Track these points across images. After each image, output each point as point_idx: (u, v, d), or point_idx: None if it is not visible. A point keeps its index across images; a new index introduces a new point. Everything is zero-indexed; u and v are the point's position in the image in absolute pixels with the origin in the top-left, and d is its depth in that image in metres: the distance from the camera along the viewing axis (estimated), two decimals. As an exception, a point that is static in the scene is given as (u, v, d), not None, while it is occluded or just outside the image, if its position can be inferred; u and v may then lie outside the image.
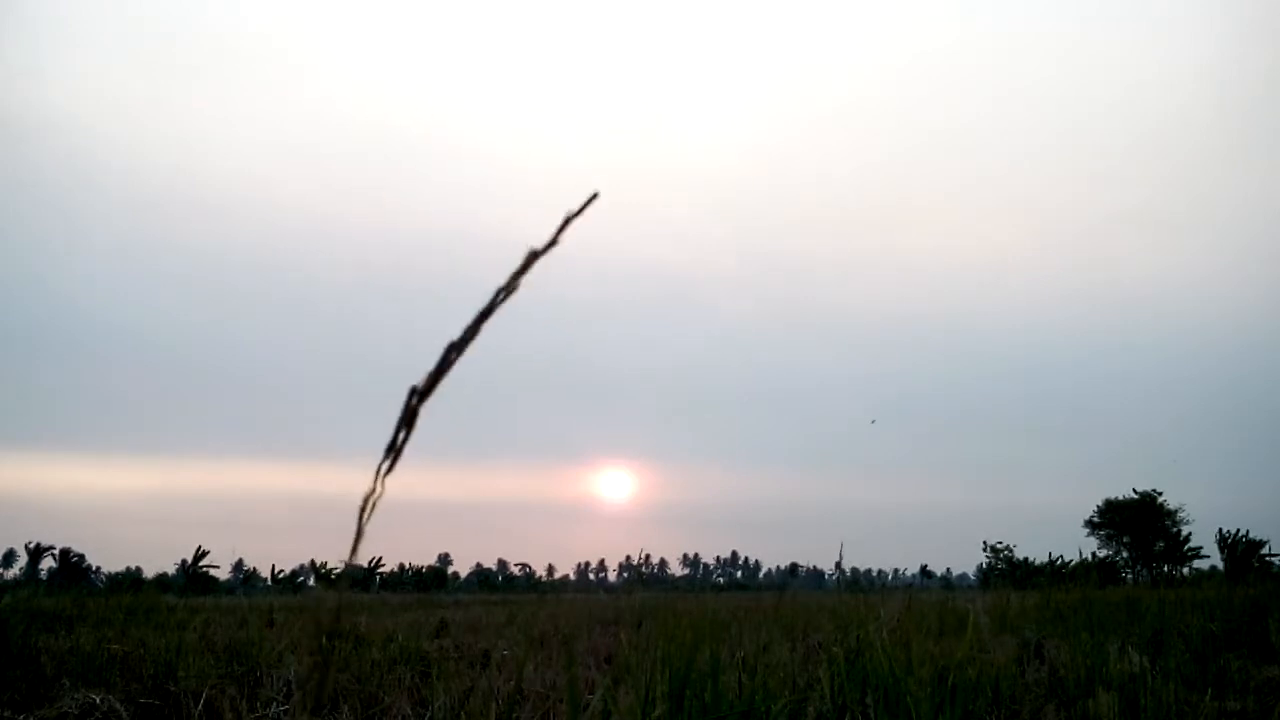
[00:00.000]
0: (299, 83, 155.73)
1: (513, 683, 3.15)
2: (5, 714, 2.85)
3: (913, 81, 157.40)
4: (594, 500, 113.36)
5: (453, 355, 0.56)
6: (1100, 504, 38.95)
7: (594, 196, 0.58)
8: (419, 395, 0.55)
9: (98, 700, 2.87)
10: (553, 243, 0.57)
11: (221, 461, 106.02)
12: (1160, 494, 37.28)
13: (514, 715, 2.75)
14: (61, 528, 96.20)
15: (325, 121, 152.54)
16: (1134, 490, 37.83)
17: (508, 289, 0.57)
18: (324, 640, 0.61)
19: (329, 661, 0.56)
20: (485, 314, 0.57)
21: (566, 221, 0.57)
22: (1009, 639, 4.47)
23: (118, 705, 2.86)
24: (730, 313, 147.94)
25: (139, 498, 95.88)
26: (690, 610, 6.47)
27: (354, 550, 0.55)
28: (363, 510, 0.54)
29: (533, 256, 0.57)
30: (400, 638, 4.79)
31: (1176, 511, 36.95)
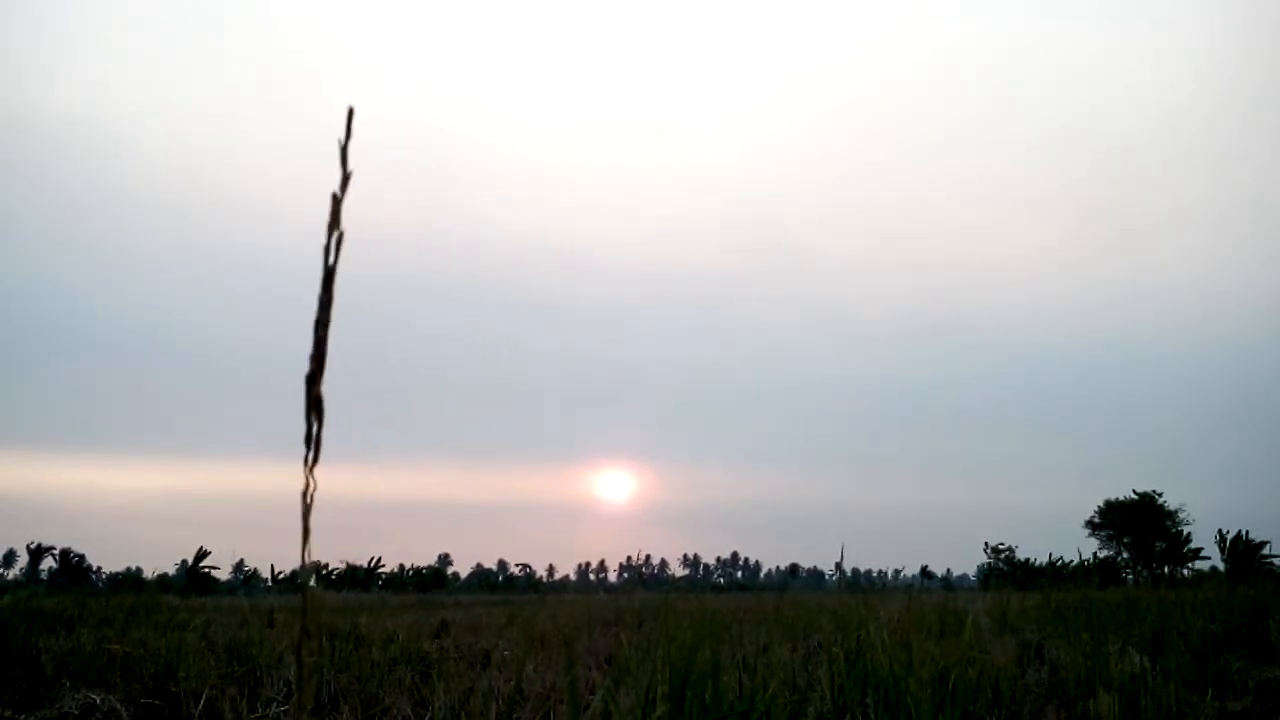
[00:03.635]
0: (301, 82, 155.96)
1: (513, 683, 3.15)
2: (5, 714, 2.85)
3: (919, 81, 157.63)
4: (594, 500, 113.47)
5: (322, 332, 0.57)
6: (1100, 504, 38.95)
7: (351, 112, 0.59)
8: (312, 381, 0.56)
9: (98, 701, 2.87)
10: (345, 179, 0.58)
11: (221, 461, 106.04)
12: (1160, 494, 37.29)
13: (514, 716, 2.75)
14: (61, 528, 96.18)
15: (332, 121, 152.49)
16: (1134, 491, 37.82)
17: (335, 245, 0.57)
18: (304, 636, 0.60)
19: (303, 659, 0.56)
20: (329, 276, 0.57)
21: (344, 150, 0.58)
22: (1009, 640, 4.47)
23: (118, 706, 2.86)
24: (731, 313, 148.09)
25: (139, 498, 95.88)
26: (691, 611, 6.47)
27: (305, 547, 0.55)
28: (304, 506, 0.54)
29: (336, 200, 0.58)
30: (400, 638, 4.79)
31: (1177, 512, 36.94)
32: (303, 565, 0.56)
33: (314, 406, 0.56)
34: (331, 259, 0.57)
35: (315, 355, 0.56)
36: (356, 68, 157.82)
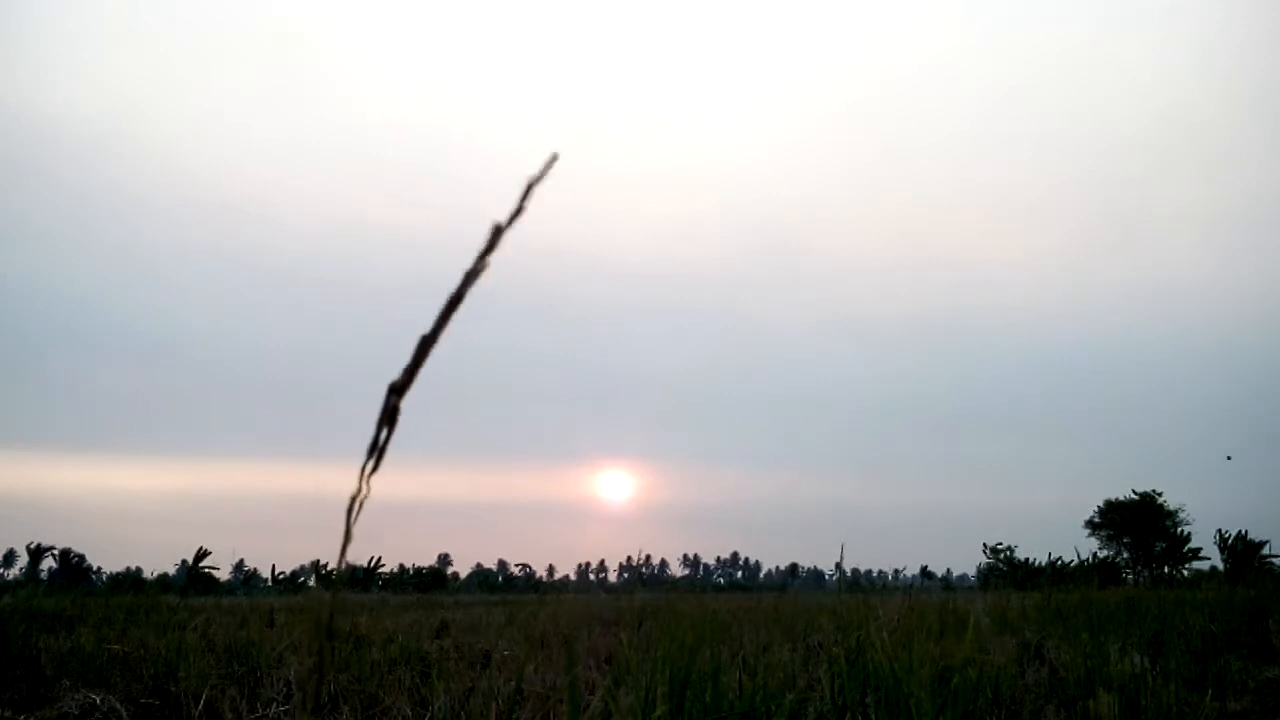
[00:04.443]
0: (304, 82, 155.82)
1: (513, 683, 3.15)
2: (6, 714, 2.85)
3: (922, 81, 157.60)
4: (594, 500, 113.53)
5: (427, 347, 0.56)
6: (1100, 504, 38.94)
7: (554, 158, 0.56)
8: (397, 391, 0.55)
9: (98, 700, 2.87)
10: (517, 213, 0.55)
11: (221, 461, 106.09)
12: (1160, 494, 37.29)
13: (514, 716, 2.75)
14: (61, 528, 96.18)
15: (335, 120, 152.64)
16: (1134, 491, 37.81)
17: (475, 272, 0.56)
18: (324, 639, 0.60)
19: (324, 662, 0.56)
20: (455, 301, 0.55)
21: (529, 188, 0.55)
22: (1009, 640, 4.46)
23: (118, 705, 2.86)
24: (731, 313, 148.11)
25: (139, 498, 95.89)
26: (691, 611, 6.47)
27: (343, 551, 0.54)
28: (350, 511, 0.54)
29: (497, 231, 0.56)
30: (400, 638, 4.79)
31: (1177, 512, 36.93)
32: (339, 568, 0.56)
33: (389, 416, 0.55)
34: (467, 285, 0.56)
35: (410, 369, 0.55)
36: (359, 68, 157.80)
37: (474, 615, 8.50)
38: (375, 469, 0.53)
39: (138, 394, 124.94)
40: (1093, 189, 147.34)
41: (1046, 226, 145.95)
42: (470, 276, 0.55)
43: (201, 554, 42.00)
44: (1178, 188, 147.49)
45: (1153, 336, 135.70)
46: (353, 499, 0.53)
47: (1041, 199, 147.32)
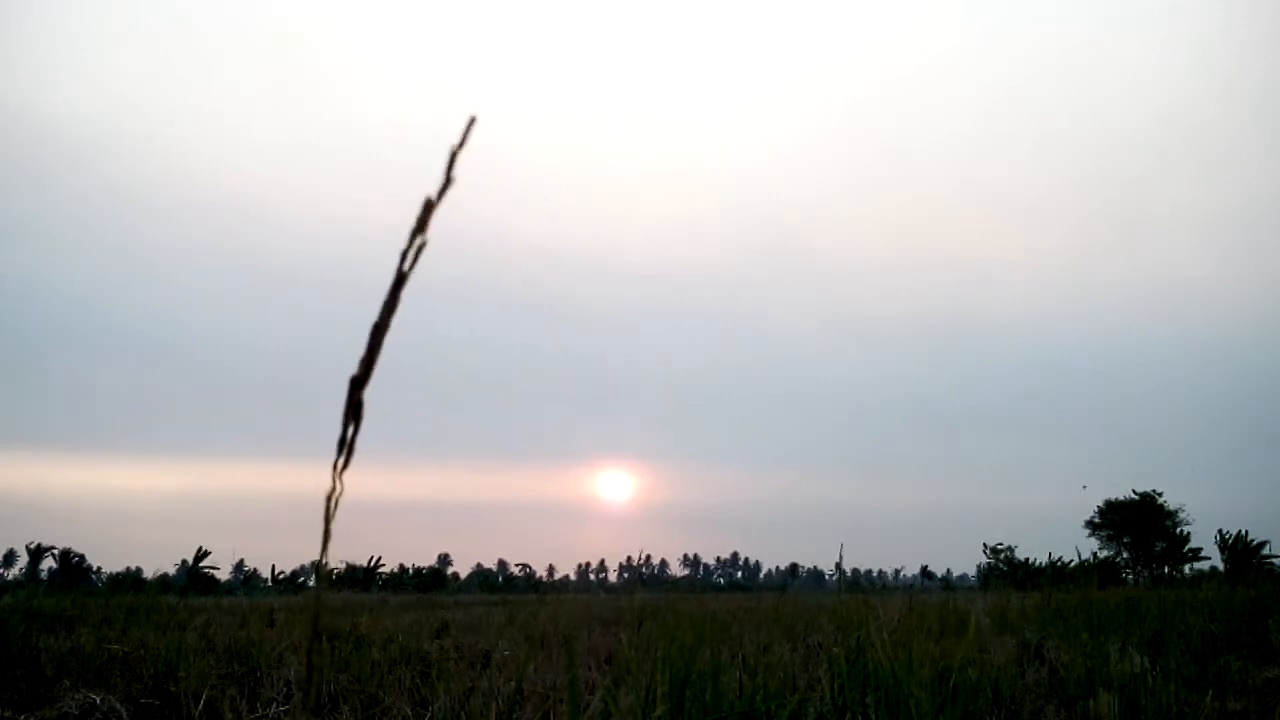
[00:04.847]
0: (299, 82, 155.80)
1: (513, 683, 3.15)
2: (6, 714, 2.85)
3: (923, 81, 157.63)
4: (594, 500, 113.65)
5: (379, 336, 0.56)
6: (1100, 504, 38.96)
7: (472, 121, 0.56)
8: (357, 384, 0.55)
9: (98, 700, 2.87)
10: (446, 184, 0.55)
11: (221, 461, 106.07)
12: (1160, 494, 37.30)
13: (514, 716, 2.75)
14: (61, 528, 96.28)
15: (335, 120, 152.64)
16: (1134, 491, 37.83)
17: (414, 250, 0.55)
18: (313, 636, 0.60)
19: (312, 660, 0.56)
20: (399, 283, 0.55)
21: (453, 157, 0.55)
22: (1009, 640, 4.46)
23: (118, 705, 2.86)
24: (732, 313, 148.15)
25: (139, 498, 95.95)
26: (691, 611, 6.47)
27: (323, 549, 0.54)
28: (327, 509, 0.54)
29: (429, 206, 0.56)
30: (400, 638, 4.79)
31: (1177, 512, 36.95)
32: (320, 568, 0.56)
33: (354, 410, 0.54)
34: (408, 265, 0.55)
35: (366, 359, 0.55)
36: (359, 68, 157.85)
37: (474, 615, 8.50)
38: (346, 465, 0.53)
39: (138, 394, 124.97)
40: (1093, 189, 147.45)
41: (1046, 226, 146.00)
42: (408, 254, 0.55)
43: (201, 554, 42.03)
44: (1178, 188, 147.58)
45: (1153, 336, 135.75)
46: (328, 497, 0.53)
47: (1041, 199, 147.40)
